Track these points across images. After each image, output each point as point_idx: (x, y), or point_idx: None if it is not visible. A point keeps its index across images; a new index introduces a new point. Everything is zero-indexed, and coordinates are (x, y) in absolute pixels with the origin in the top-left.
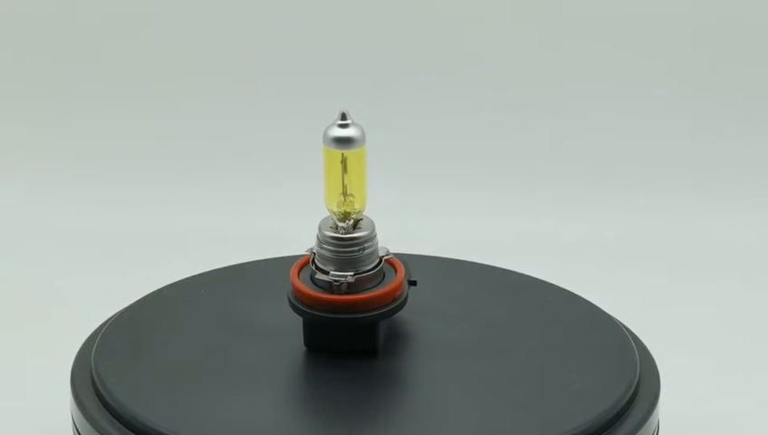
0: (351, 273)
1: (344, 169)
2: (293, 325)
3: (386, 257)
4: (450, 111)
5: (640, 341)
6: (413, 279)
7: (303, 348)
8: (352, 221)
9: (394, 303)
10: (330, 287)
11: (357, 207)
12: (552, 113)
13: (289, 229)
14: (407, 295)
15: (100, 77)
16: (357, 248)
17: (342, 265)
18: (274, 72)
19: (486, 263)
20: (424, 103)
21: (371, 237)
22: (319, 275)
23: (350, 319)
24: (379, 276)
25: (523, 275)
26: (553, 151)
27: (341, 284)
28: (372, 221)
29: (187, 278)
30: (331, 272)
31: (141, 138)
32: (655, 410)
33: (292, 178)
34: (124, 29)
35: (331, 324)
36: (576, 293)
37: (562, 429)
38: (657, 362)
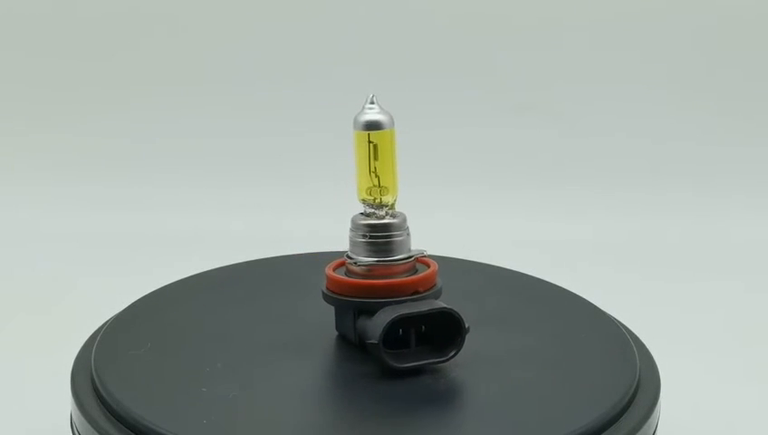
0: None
1: (374, 156)
2: (295, 326)
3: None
4: (452, 112)
5: (640, 341)
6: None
7: (306, 350)
8: (383, 210)
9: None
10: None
11: (388, 196)
12: (556, 114)
13: (290, 229)
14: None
15: (105, 77)
16: (353, 234)
17: (351, 246)
18: (286, 74)
19: (486, 262)
20: (426, 103)
21: (368, 229)
22: None
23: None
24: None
25: (523, 274)
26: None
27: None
28: (392, 221)
29: (186, 278)
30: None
31: (142, 138)
32: (655, 411)
33: (293, 179)
34: (132, 29)
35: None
36: (576, 293)
37: (563, 429)
38: (657, 362)
